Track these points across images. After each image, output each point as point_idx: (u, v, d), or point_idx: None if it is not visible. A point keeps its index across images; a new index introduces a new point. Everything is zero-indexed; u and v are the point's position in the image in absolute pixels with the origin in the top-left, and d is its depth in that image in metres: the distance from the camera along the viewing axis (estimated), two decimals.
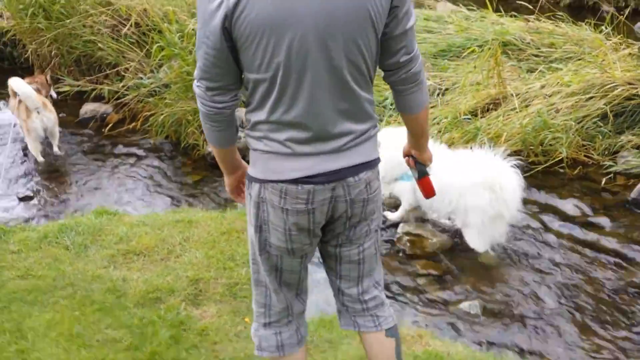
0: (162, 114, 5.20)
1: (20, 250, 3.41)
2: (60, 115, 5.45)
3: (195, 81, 1.74)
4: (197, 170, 4.96)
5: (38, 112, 4.86)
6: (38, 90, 5.24)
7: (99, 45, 6.06)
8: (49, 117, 4.96)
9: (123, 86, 5.59)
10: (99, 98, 6.00)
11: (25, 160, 5.14)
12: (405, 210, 3.81)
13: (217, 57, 1.65)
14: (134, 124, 5.49)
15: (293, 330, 2.05)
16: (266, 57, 1.63)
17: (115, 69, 6.12)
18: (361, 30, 1.66)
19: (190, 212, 3.92)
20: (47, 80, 5.66)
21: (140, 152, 5.22)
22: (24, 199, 4.44)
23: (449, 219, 3.77)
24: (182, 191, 4.67)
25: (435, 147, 3.46)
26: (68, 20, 6.17)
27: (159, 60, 5.39)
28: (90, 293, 3.00)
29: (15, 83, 4.94)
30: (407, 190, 3.70)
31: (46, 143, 5.16)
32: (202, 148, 5.09)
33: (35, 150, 4.95)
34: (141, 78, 5.45)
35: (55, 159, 5.14)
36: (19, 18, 6.58)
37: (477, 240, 3.55)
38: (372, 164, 1.85)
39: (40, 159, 4.93)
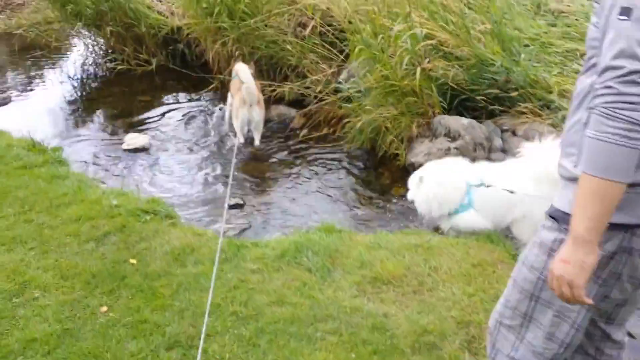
0: (359, 121, 4.94)
1: (261, 270, 3.22)
2: None
3: None
4: (398, 183, 4.64)
5: (251, 105, 4.90)
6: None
7: (283, 46, 5.91)
8: (259, 113, 5.01)
9: (320, 91, 5.38)
10: (277, 100, 5.87)
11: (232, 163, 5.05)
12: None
13: None
14: (326, 129, 5.29)
15: None
16: None
17: (295, 71, 5.98)
18: None
19: (424, 236, 3.58)
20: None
21: (337, 160, 5.00)
22: (234, 206, 4.31)
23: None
24: (391, 206, 4.38)
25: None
26: (252, 20, 6.07)
27: (357, 63, 5.12)
28: (357, 330, 2.73)
29: (241, 68, 5.01)
30: (471, 220, 3.53)
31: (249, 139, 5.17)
32: (402, 158, 4.79)
33: (240, 130, 4.96)
34: (340, 82, 5.20)
35: (257, 158, 5.08)
36: (200, 17, 6.59)
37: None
38: None
39: (242, 139, 4.93)
